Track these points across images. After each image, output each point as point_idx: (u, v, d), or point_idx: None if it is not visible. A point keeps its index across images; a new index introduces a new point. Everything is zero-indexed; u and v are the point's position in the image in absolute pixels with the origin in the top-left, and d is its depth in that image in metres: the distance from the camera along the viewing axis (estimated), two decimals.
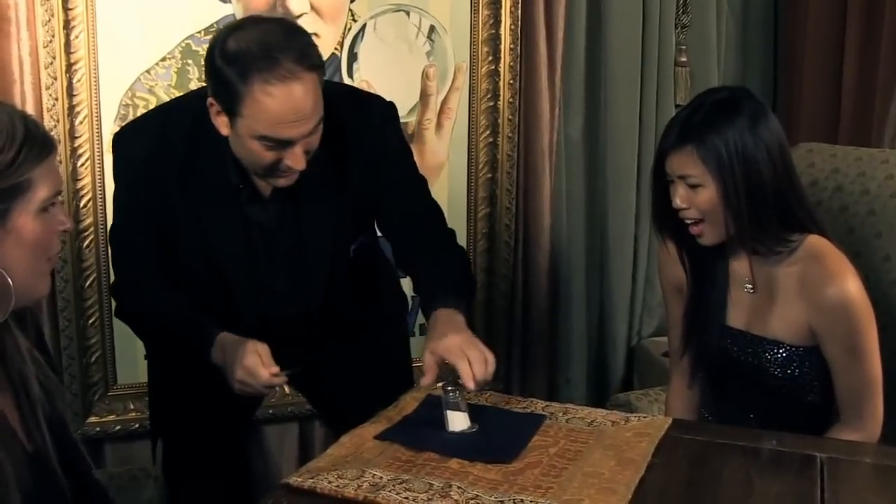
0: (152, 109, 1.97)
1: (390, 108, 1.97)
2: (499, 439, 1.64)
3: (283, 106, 1.67)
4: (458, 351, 1.66)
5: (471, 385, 1.65)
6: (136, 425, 2.67)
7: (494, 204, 2.95)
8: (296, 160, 1.73)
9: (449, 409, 1.68)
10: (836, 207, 2.21)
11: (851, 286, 1.76)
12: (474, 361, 1.65)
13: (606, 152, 3.08)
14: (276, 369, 1.74)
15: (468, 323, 1.76)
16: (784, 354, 1.83)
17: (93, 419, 2.66)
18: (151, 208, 1.87)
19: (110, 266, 2.06)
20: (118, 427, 2.67)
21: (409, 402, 1.81)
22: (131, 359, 2.67)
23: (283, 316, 1.96)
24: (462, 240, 2.87)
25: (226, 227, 1.87)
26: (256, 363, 1.73)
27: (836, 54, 3.01)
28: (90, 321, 2.61)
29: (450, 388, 1.68)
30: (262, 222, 1.89)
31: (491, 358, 1.67)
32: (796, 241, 1.81)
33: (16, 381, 1.40)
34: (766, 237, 1.79)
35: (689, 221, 1.82)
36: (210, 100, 1.75)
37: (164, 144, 1.84)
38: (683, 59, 3.09)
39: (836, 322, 1.77)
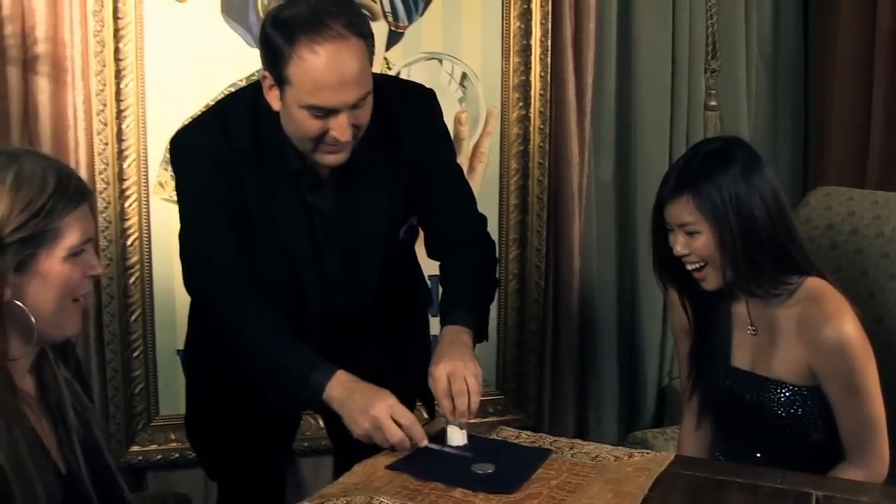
0: (206, 110, 1.96)
1: (433, 94, 2.01)
2: (503, 471, 1.70)
3: (327, 66, 1.66)
4: (443, 384, 1.74)
5: (450, 418, 1.75)
6: (177, 455, 2.78)
7: (525, 245, 3.02)
8: (341, 130, 1.72)
9: (450, 424, 1.79)
10: (851, 250, 2.25)
11: (848, 327, 1.80)
12: (456, 395, 1.73)
13: (636, 195, 3.13)
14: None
15: (477, 335, 1.85)
16: (787, 394, 1.87)
17: (135, 448, 2.77)
18: (226, 202, 1.85)
19: (185, 268, 1.96)
20: (159, 456, 2.79)
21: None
22: (173, 391, 2.79)
23: (340, 310, 1.96)
24: None
25: (292, 215, 1.87)
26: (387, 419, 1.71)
27: (864, 99, 3.05)
28: (135, 354, 2.73)
29: None
30: (322, 209, 1.89)
31: (475, 388, 1.74)
32: (795, 283, 1.87)
33: (53, 409, 1.51)
34: (763, 280, 1.85)
35: (691, 267, 1.88)
36: (263, 73, 1.76)
37: (230, 137, 1.84)
38: (713, 103, 3.15)
39: (835, 362, 1.81)
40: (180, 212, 1.94)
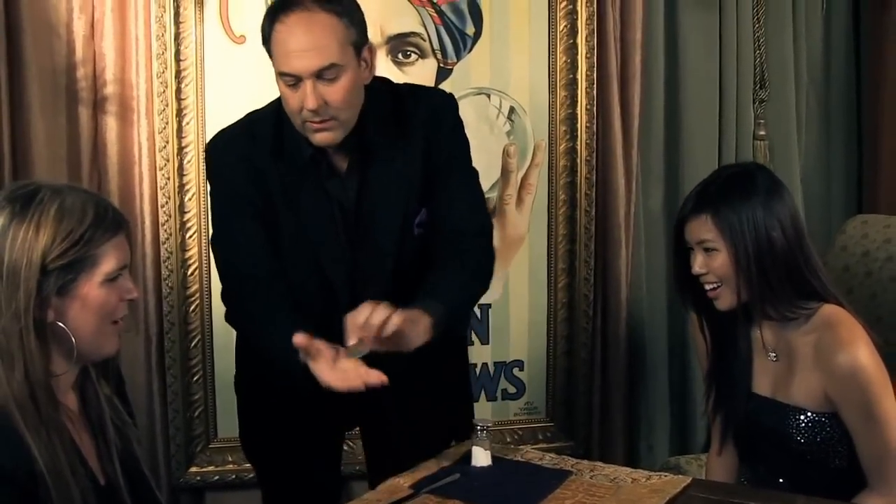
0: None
1: (446, 96, 2.11)
2: (520, 490, 1.76)
3: (291, 33, 1.83)
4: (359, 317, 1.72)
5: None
6: (233, 477, 2.89)
7: (573, 274, 3.07)
8: (306, 98, 1.83)
9: (475, 444, 1.85)
10: (886, 278, 2.25)
11: (862, 354, 1.80)
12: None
13: None
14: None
15: (433, 327, 1.81)
16: (806, 421, 1.88)
17: (194, 469, 2.89)
18: (253, 201, 1.97)
19: (218, 273, 2.09)
20: (217, 477, 2.90)
21: (448, 455, 1.95)
22: (232, 414, 2.83)
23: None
24: (542, 309, 3.06)
25: (315, 206, 1.97)
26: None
27: None
28: (194, 378, 2.86)
29: (479, 425, 1.86)
30: (342, 202, 1.98)
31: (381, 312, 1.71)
32: (811, 308, 1.88)
33: (94, 423, 1.62)
34: (777, 302, 1.87)
35: (707, 287, 1.92)
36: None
37: (254, 138, 1.99)
38: (762, 132, 3.16)
39: (850, 389, 1.81)
40: (212, 215, 2.09)
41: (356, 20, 1.90)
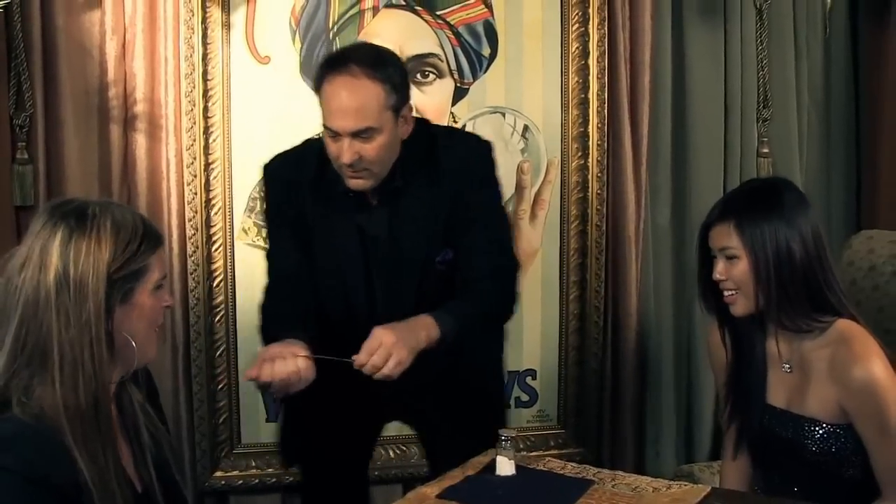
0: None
1: (483, 144, 2.24)
2: (544, 499, 1.85)
3: (335, 94, 2.00)
4: (374, 343, 1.91)
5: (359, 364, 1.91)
6: (256, 481, 2.99)
7: (585, 287, 3.17)
8: (340, 152, 2.01)
9: (499, 454, 1.93)
10: (894, 291, 2.35)
11: (876, 368, 1.88)
12: (377, 355, 1.90)
13: (693, 238, 3.24)
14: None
15: (438, 336, 2.00)
16: (821, 432, 1.95)
17: (218, 473, 2.98)
18: (291, 219, 2.17)
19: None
20: (240, 482, 2.99)
21: (474, 465, 2.04)
22: (255, 421, 3.00)
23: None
24: (554, 320, 3.16)
25: (344, 233, 2.15)
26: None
27: None
28: (219, 386, 2.95)
29: (503, 435, 1.94)
30: (370, 231, 2.14)
31: (392, 362, 1.90)
32: (826, 322, 1.95)
33: (129, 430, 1.69)
34: (794, 313, 1.95)
35: (725, 293, 2.00)
36: None
37: (301, 164, 2.18)
38: (766, 150, 3.27)
39: (864, 403, 1.88)
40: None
41: (399, 84, 2.05)
